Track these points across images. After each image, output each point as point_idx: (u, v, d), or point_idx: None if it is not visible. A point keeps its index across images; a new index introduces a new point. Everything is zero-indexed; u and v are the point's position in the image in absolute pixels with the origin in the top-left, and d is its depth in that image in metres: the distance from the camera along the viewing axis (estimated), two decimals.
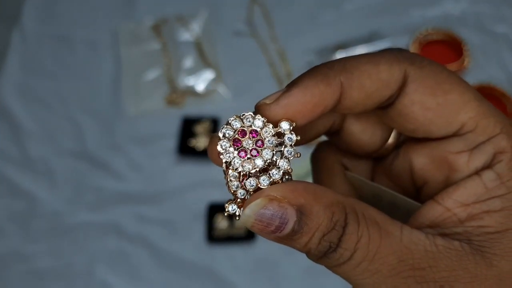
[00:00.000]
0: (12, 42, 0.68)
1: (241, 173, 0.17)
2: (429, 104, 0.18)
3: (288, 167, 0.17)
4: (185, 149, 0.60)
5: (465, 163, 0.18)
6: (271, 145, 0.17)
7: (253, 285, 0.53)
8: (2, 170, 0.59)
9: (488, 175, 0.17)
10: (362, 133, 0.21)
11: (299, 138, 0.18)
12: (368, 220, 0.17)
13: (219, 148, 0.17)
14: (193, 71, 0.66)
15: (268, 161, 0.17)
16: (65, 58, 0.67)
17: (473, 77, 0.63)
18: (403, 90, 0.18)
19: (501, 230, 0.17)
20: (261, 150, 0.17)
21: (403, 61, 0.18)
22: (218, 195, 0.57)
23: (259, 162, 0.17)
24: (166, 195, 0.57)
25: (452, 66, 0.63)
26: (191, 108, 0.63)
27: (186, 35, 0.68)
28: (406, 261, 0.17)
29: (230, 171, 0.17)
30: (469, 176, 0.18)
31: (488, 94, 0.61)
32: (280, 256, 0.54)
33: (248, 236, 0.54)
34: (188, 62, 0.67)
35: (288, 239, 0.17)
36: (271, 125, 0.17)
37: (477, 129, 0.18)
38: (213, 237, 0.54)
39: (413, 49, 0.64)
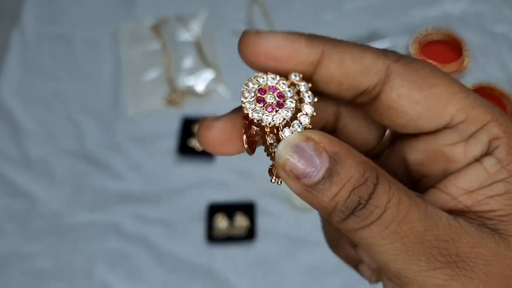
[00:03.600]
0: (12, 42, 0.68)
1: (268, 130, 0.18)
2: (417, 98, 0.18)
3: (313, 112, 0.17)
4: (185, 149, 0.60)
5: (462, 153, 0.18)
6: (291, 95, 0.18)
7: (253, 285, 0.53)
8: (2, 170, 0.59)
9: (488, 160, 0.17)
10: (356, 132, 0.21)
11: (310, 85, 0.18)
12: (398, 185, 0.16)
13: (248, 110, 0.17)
14: (193, 71, 0.66)
15: (293, 110, 0.17)
16: (65, 58, 0.67)
17: (473, 77, 0.63)
18: (388, 85, 0.18)
19: (511, 212, 0.17)
20: (284, 101, 0.18)
21: (388, 57, 0.18)
22: (218, 195, 0.57)
23: (287, 112, 0.17)
24: (166, 195, 0.57)
25: (452, 66, 0.63)
26: (191, 108, 0.63)
27: (186, 35, 0.68)
28: (432, 230, 0.16)
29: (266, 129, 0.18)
30: (469, 164, 0.18)
31: (488, 94, 0.61)
32: (280, 256, 0.54)
33: (248, 236, 0.54)
34: (188, 62, 0.67)
35: (316, 189, 0.16)
36: (284, 78, 0.18)
37: (468, 120, 0.18)
38: (213, 237, 0.54)
39: (413, 49, 0.64)
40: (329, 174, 0.16)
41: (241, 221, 0.55)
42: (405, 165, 0.20)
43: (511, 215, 0.17)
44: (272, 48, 0.18)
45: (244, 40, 0.18)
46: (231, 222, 0.55)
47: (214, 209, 0.56)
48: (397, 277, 0.16)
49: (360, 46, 0.18)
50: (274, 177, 0.18)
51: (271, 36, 0.18)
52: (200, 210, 0.56)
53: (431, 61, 0.63)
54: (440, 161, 0.19)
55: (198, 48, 0.67)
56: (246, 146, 0.18)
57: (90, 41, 0.68)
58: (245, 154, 0.19)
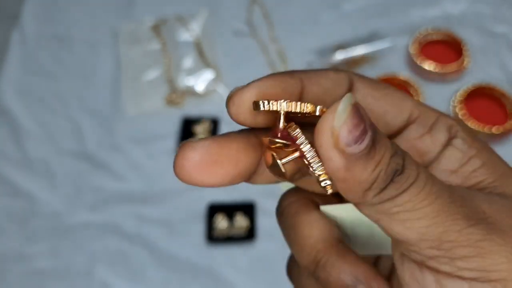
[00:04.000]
0: (12, 42, 0.68)
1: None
2: (377, 95, 0.20)
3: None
4: None
5: (431, 143, 0.19)
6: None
7: (253, 285, 0.53)
8: (2, 170, 0.59)
9: (456, 142, 0.19)
10: None
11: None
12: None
13: (263, 102, 0.16)
14: (193, 71, 0.66)
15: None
16: (64, 58, 0.67)
17: (473, 77, 0.63)
18: (354, 89, 0.20)
19: (495, 178, 0.18)
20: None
21: (345, 71, 0.20)
22: (218, 195, 0.57)
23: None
24: (166, 195, 0.57)
25: (452, 66, 0.63)
26: (191, 108, 0.63)
27: (186, 35, 0.68)
28: (454, 191, 0.16)
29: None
30: (441, 151, 0.19)
31: (488, 94, 0.61)
32: (280, 256, 0.54)
33: (248, 236, 0.54)
34: (188, 62, 0.67)
35: (362, 156, 0.15)
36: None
37: (422, 115, 0.20)
38: (213, 237, 0.54)
39: (413, 49, 0.64)
40: (373, 142, 0.15)
41: (241, 221, 0.55)
42: None
43: (499, 179, 0.18)
44: (266, 90, 0.17)
45: (231, 99, 0.17)
46: (231, 222, 0.55)
47: (214, 209, 0.56)
48: (437, 247, 0.16)
49: (320, 69, 0.20)
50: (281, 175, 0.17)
51: (256, 84, 0.17)
52: (200, 210, 0.56)
53: (431, 61, 0.63)
54: (416, 157, 0.20)
55: (198, 48, 0.67)
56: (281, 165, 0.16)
57: (90, 41, 0.68)
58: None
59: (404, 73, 0.63)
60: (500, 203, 0.17)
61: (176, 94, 0.64)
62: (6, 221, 0.56)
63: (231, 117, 0.17)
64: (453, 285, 0.16)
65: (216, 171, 0.17)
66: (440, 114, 0.20)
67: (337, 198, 0.21)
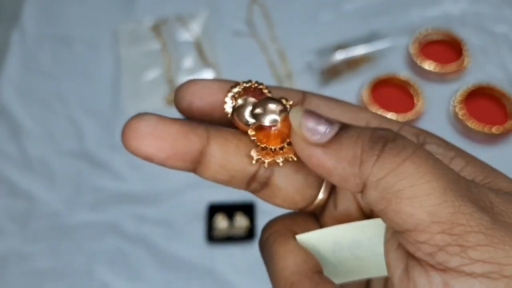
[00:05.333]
0: (12, 42, 0.68)
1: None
2: (332, 105, 0.19)
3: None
4: None
5: None
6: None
7: (253, 285, 0.53)
8: (2, 170, 0.59)
9: (429, 147, 0.18)
10: (289, 188, 0.19)
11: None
12: None
13: (228, 99, 0.18)
14: (193, 71, 0.66)
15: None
16: (65, 58, 0.67)
17: (473, 77, 0.63)
18: (306, 101, 0.19)
19: (485, 176, 0.17)
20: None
21: (301, 91, 0.20)
22: (218, 195, 0.57)
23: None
24: (166, 195, 0.57)
25: (452, 66, 0.63)
26: None
27: (185, 35, 0.68)
28: (460, 177, 0.15)
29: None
30: None
31: (488, 94, 0.61)
32: None
33: (248, 236, 0.55)
34: (188, 62, 0.67)
35: (338, 137, 0.16)
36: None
37: (383, 124, 0.19)
38: (213, 237, 0.54)
39: (413, 49, 0.64)
40: (342, 126, 0.16)
41: (241, 221, 0.55)
42: (356, 203, 0.20)
43: (489, 176, 0.17)
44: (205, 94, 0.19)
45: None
46: (231, 222, 0.55)
47: (214, 209, 0.56)
48: (449, 231, 0.14)
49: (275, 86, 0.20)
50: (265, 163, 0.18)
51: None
52: (200, 210, 0.56)
53: (431, 61, 0.63)
54: None
55: (198, 48, 0.67)
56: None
57: (90, 41, 0.68)
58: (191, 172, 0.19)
59: (404, 73, 0.63)
60: (504, 196, 0.15)
61: None
62: (6, 221, 0.56)
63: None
64: (462, 285, 0.14)
65: (156, 144, 0.17)
66: (404, 124, 0.19)
67: (318, 223, 0.20)
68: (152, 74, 0.66)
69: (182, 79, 0.65)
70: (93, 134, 0.62)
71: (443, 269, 0.14)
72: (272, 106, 0.17)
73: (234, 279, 0.53)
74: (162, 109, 0.63)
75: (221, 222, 0.55)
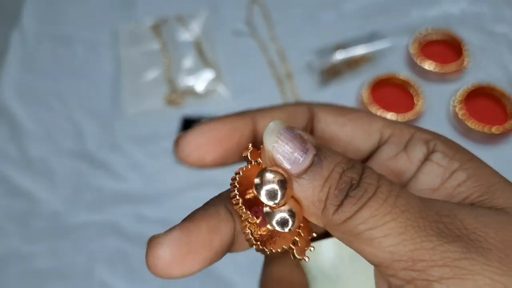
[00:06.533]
0: (12, 42, 0.68)
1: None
2: (342, 121, 0.19)
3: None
4: None
5: (407, 161, 0.18)
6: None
7: (253, 285, 0.53)
8: (2, 170, 0.59)
9: (434, 156, 0.18)
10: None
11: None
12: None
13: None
14: (193, 71, 0.66)
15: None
16: (65, 58, 0.67)
17: (473, 77, 0.63)
18: (316, 119, 0.19)
19: (484, 191, 0.17)
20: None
21: (307, 104, 0.20)
22: None
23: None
24: (166, 195, 0.57)
25: (452, 66, 0.63)
26: (191, 108, 0.63)
27: (186, 35, 0.68)
28: (430, 206, 0.15)
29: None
30: (418, 168, 0.18)
31: (488, 94, 0.61)
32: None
33: None
34: (188, 62, 0.67)
35: (306, 176, 0.16)
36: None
37: (395, 133, 0.19)
38: None
39: (413, 49, 0.64)
40: (318, 159, 0.16)
41: None
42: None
43: (488, 192, 0.16)
44: (215, 135, 0.19)
45: (179, 145, 0.19)
46: None
47: None
48: (411, 267, 0.14)
49: (276, 105, 0.20)
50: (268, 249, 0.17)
51: (203, 130, 0.19)
52: None
53: (431, 61, 0.63)
54: (391, 178, 0.18)
55: (198, 48, 0.67)
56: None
57: (90, 41, 0.68)
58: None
59: (404, 73, 0.63)
60: (489, 217, 0.15)
61: (176, 94, 0.64)
62: (6, 221, 0.56)
63: (179, 160, 0.19)
64: None
65: (192, 260, 0.17)
66: (416, 129, 0.19)
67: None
68: (152, 74, 0.66)
69: (182, 79, 0.65)
70: (93, 134, 0.62)
71: None
72: (269, 176, 0.16)
73: (234, 279, 0.53)
74: (162, 109, 0.63)
75: None
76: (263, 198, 0.16)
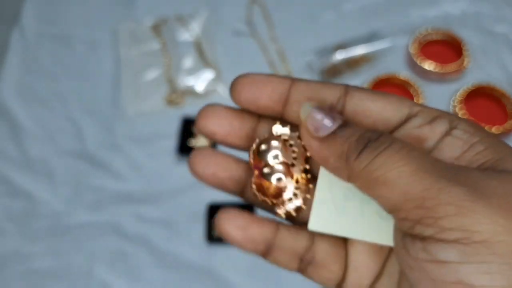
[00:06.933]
0: (12, 42, 0.68)
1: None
2: (375, 98, 0.21)
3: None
4: (185, 149, 0.60)
5: (430, 131, 0.20)
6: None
7: (253, 285, 0.53)
8: (2, 170, 0.59)
9: (455, 132, 0.19)
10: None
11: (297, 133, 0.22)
12: None
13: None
14: (192, 71, 0.66)
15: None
16: (65, 58, 0.67)
17: (473, 77, 0.63)
18: (350, 96, 0.21)
19: (499, 158, 0.18)
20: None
21: (339, 83, 0.22)
22: (218, 195, 0.57)
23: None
24: (166, 195, 0.57)
25: (452, 66, 0.63)
26: (191, 108, 0.63)
27: (185, 35, 0.68)
28: (442, 163, 0.17)
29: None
30: (440, 139, 0.20)
31: (488, 94, 0.61)
32: None
33: None
34: (188, 62, 0.67)
35: (332, 137, 0.19)
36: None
37: (424, 111, 0.20)
38: (213, 237, 0.54)
39: (413, 49, 0.64)
40: (343, 126, 0.19)
41: None
42: None
43: (502, 158, 0.18)
44: (269, 90, 0.22)
45: (238, 83, 0.22)
46: None
47: (214, 209, 0.56)
48: (420, 205, 0.16)
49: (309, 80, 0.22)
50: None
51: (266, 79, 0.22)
52: (200, 210, 0.56)
53: (431, 61, 0.63)
54: (413, 143, 0.20)
55: (198, 48, 0.67)
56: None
57: (90, 41, 0.68)
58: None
59: (404, 73, 0.63)
60: (496, 174, 0.17)
61: (176, 94, 0.64)
62: (6, 221, 0.56)
63: (234, 99, 0.22)
64: (437, 249, 0.16)
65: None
66: (443, 112, 0.20)
67: None
68: (152, 74, 0.66)
69: (182, 79, 0.65)
70: (93, 134, 0.62)
71: (423, 238, 0.16)
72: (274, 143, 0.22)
73: (234, 279, 0.53)
74: (162, 109, 0.63)
75: None
76: (270, 159, 0.22)
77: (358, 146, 0.18)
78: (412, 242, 0.17)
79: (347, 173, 0.19)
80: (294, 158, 0.22)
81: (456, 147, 0.19)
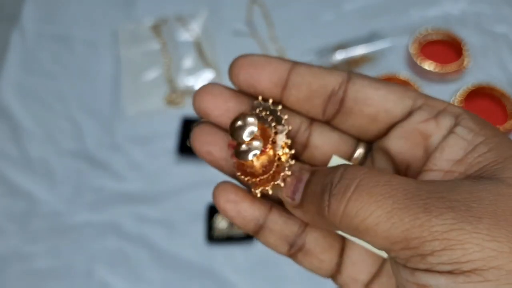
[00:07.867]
0: (12, 42, 0.68)
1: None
2: (378, 86, 0.20)
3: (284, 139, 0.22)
4: (185, 149, 0.60)
5: (435, 126, 0.19)
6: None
7: (253, 285, 0.53)
8: (2, 170, 0.59)
9: (460, 130, 0.19)
10: (328, 147, 0.22)
11: (280, 107, 0.22)
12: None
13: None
14: (192, 71, 0.66)
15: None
16: (65, 58, 0.67)
17: (473, 77, 0.63)
18: (352, 82, 0.20)
19: (502, 160, 0.17)
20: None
21: (342, 70, 0.21)
22: None
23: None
24: (166, 195, 0.57)
25: (452, 66, 0.63)
26: (191, 108, 0.63)
27: (185, 35, 0.68)
28: (423, 187, 0.16)
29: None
30: (445, 137, 0.19)
31: (488, 94, 0.61)
32: (280, 256, 0.54)
33: (248, 236, 0.54)
34: (188, 62, 0.67)
35: (304, 194, 0.19)
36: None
37: (428, 103, 0.20)
38: (213, 237, 0.54)
39: (413, 49, 0.64)
40: (308, 180, 0.20)
41: None
42: (391, 163, 0.21)
43: (503, 162, 0.17)
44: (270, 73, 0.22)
45: (236, 63, 0.22)
46: (231, 222, 0.55)
47: (214, 209, 0.56)
48: (405, 246, 0.16)
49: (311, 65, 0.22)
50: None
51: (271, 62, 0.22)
52: (200, 210, 0.56)
53: (431, 61, 0.63)
54: (418, 141, 0.20)
55: (198, 48, 0.67)
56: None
57: (90, 41, 0.68)
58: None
59: (404, 73, 0.63)
60: (487, 189, 0.16)
61: (176, 94, 0.64)
62: (6, 221, 0.56)
63: (232, 80, 0.23)
64: (428, 278, 0.16)
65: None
66: (449, 104, 0.20)
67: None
68: (152, 74, 0.66)
69: (182, 79, 0.65)
70: (93, 134, 0.62)
71: (416, 269, 0.16)
72: (250, 119, 0.21)
73: (234, 279, 0.53)
74: (162, 109, 0.63)
75: (221, 222, 0.55)
76: (245, 136, 0.20)
77: (325, 196, 0.17)
78: (403, 268, 0.17)
79: (332, 227, 0.18)
80: (275, 133, 0.21)
81: (459, 148, 0.18)
